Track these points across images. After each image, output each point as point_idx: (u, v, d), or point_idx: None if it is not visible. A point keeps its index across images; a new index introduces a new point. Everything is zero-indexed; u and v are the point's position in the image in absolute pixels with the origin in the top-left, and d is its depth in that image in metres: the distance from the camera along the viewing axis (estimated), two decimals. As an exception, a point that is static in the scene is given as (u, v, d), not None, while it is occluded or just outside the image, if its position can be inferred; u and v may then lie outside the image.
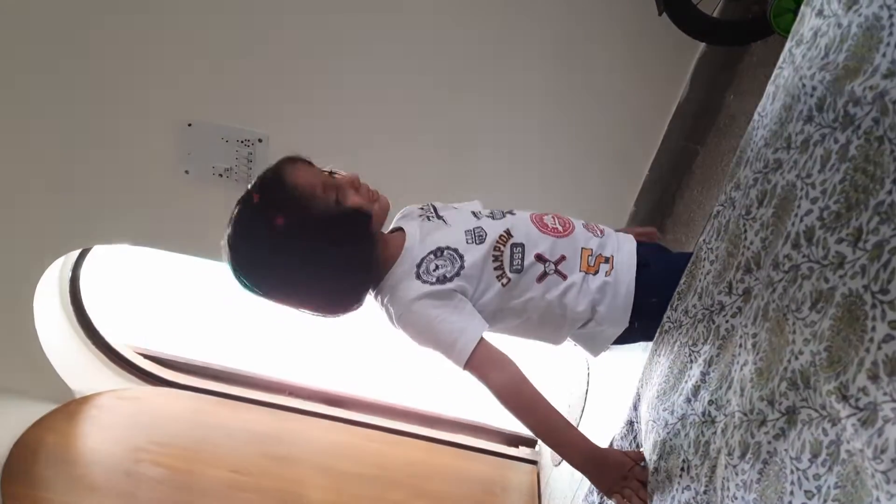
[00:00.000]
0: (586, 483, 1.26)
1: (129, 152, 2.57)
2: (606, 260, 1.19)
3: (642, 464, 1.15)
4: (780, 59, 0.96)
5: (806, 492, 0.72)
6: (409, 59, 2.32)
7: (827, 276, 0.75)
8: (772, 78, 0.97)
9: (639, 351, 1.35)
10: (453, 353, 1.10)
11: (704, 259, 1.07)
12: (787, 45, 0.94)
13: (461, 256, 1.15)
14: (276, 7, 2.24)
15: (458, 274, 1.13)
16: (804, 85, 0.86)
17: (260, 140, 2.50)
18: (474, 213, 1.25)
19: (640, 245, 1.25)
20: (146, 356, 3.55)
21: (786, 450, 0.77)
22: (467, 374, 1.12)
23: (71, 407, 3.20)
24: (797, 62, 0.90)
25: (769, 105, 0.97)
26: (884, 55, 0.73)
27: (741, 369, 0.90)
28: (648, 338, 1.21)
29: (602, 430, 2.40)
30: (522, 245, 1.17)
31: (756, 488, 0.80)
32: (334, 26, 2.27)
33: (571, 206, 2.51)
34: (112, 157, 2.59)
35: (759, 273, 0.91)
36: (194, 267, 3.09)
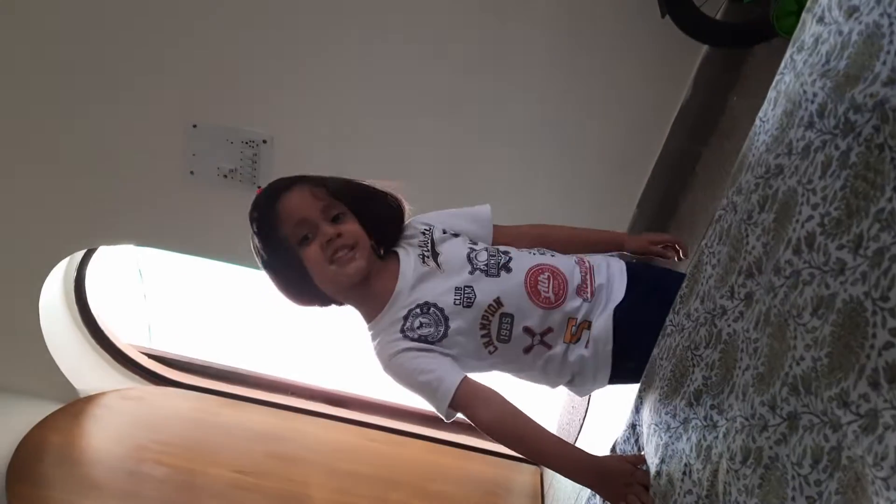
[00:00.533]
0: (590, 485, 1.27)
1: (133, 153, 2.59)
2: (589, 326, 1.19)
3: (643, 467, 1.15)
4: (782, 65, 0.96)
5: (807, 497, 0.73)
6: (413, 61, 2.33)
7: (828, 282, 0.75)
8: (773, 83, 0.97)
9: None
10: (436, 399, 1.13)
11: (706, 263, 1.08)
12: (789, 51, 0.94)
13: (446, 319, 1.16)
14: (280, 9, 2.25)
15: (440, 340, 1.15)
16: (805, 91, 0.86)
17: (264, 141, 2.51)
18: (469, 256, 1.22)
19: (630, 288, 1.23)
20: (150, 356, 3.56)
21: (787, 455, 0.77)
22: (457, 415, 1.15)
23: (75, 406, 3.21)
24: (798, 68, 0.90)
25: (770, 110, 0.97)
26: (884, 63, 0.73)
27: (743, 374, 0.90)
28: (635, 381, 1.23)
29: (605, 433, 2.40)
30: (512, 316, 1.17)
31: (758, 493, 0.81)
32: (340, 28, 2.28)
33: (574, 208, 2.53)
34: (117, 158, 2.60)
35: (760, 278, 0.92)
36: (199, 267, 3.10)
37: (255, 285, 3.20)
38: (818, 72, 0.84)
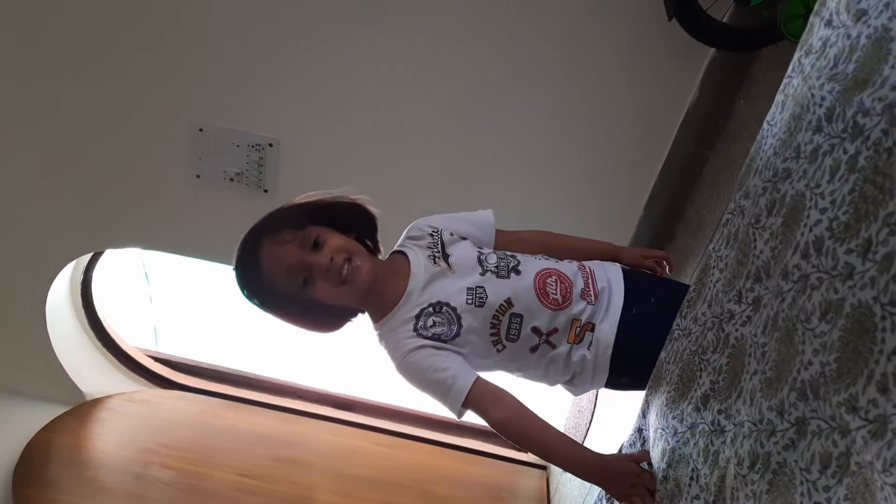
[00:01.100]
0: (596, 489, 1.28)
1: (140, 157, 2.59)
2: (593, 328, 1.22)
3: (645, 465, 1.16)
4: (790, 68, 0.96)
5: (816, 503, 0.72)
6: (420, 65, 2.33)
7: (836, 286, 0.75)
8: (781, 87, 0.97)
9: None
10: (450, 397, 1.15)
11: (714, 267, 1.07)
12: (796, 54, 0.94)
13: (459, 318, 1.18)
14: (287, 13, 2.26)
15: (453, 338, 1.18)
16: (813, 95, 0.86)
17: (270, 145, 2.51)
18: (479, 258, 1.25)
19: (628, 291, 1.26)
20: (156, 359, 3.57)
21: (795, 461, 0.77)
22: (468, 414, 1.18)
23: (82, 409, 3.22)
24: (806, 72, 0.90)
25: (778, 114, 0.97)
26: (893, 67, 0.73)
27: (750, 378, 0.90)
28: (640, 388, 1.26)
29: (611, 437, 2.39)
30: (522, 317, 1.20)
31: (765, 499, 0.80)
32: (346, 34, 2.28)
33: (581, 211, 2.53)
34: (123, 162, 2.61)
35: (768, 282, 0.91)
36: (205, 271, 3.11)
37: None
38: (826, 75, 0.84)
